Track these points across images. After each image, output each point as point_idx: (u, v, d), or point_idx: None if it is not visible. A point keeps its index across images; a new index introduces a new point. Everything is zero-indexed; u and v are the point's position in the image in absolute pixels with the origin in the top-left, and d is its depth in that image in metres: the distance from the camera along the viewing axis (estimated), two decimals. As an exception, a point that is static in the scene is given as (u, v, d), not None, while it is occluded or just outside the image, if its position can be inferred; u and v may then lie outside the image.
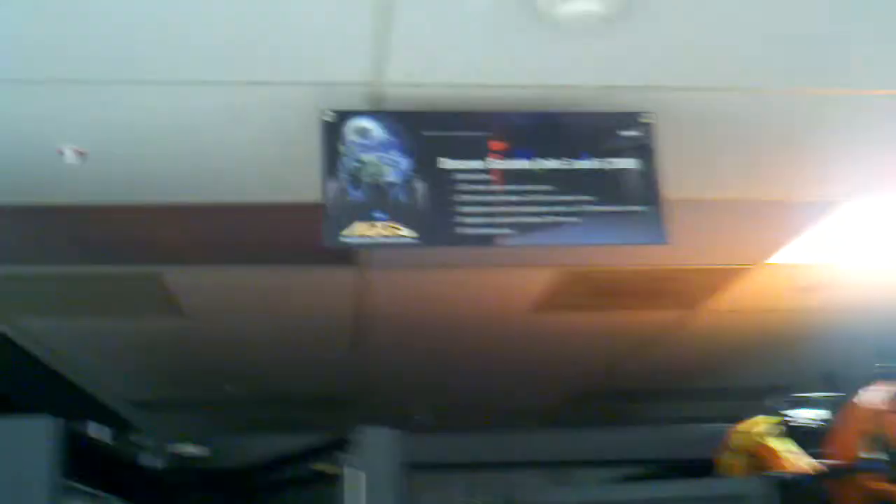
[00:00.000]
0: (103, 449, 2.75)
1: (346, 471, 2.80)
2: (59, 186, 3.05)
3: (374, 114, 2.51)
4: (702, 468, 4.05)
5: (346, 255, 3.85)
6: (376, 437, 2.82)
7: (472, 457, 4.40)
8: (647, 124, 2.53)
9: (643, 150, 2.52)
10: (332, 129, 2.48)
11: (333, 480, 2.87)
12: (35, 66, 2.34)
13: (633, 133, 2.52)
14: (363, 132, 2.48)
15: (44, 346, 4.80)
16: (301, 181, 2.96)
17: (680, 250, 3.84)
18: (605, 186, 2.49)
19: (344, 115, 2.49)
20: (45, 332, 4.67)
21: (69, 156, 2.78)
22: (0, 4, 2.08)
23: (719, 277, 4.26)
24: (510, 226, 2.44)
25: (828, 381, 3.76)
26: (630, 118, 2.53)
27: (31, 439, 2.19)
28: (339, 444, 2.91)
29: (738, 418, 4.34)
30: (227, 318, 4.72)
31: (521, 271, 4.14)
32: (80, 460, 2.40)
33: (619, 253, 3.88)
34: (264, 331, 4.95)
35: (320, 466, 2.99)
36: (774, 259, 3.99)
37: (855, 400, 3.35)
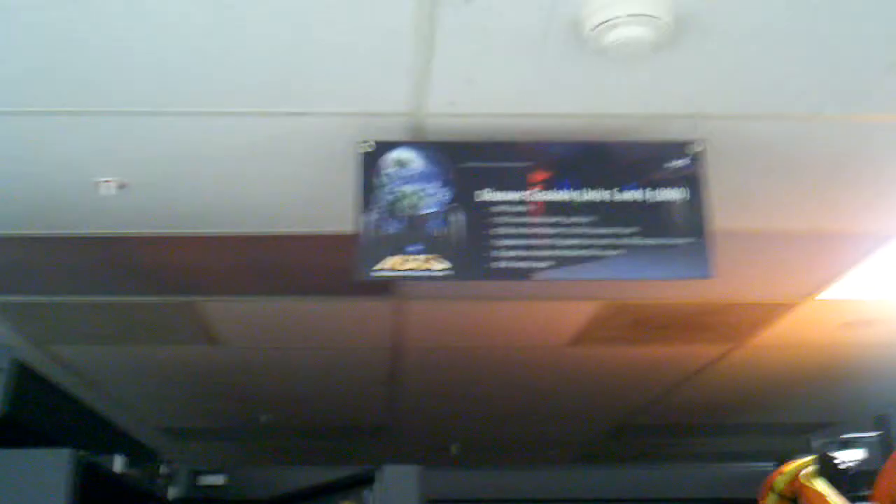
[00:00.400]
0: (121, 481, 2.69)
1: None
2: (96, 217, 3.03)
3: (415, 144, 2.45)
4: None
5: (383, 286, 3.79)
6: (398, 474, 2.74)
7: (502, 493, 4.29)
8: (695, 154, 2.43)
9: (691, 180, 2.42)
10: (370, 160, 2.41)
11: None
12: (73, 98, 2.31)
13: (680, 163, 2.43)
14: (402, 163, 2.41)
15: (75, 373, 4.79)
16: (338, 212, 2.92)
17: (725, 284, 3.75)
18: (650, 218, 2.40)
19: (383, 146, 2.43)
20: (76, 359, 4.65)
21: (105, 188, 2.75)
22: (37, 37, 2.06)
23: (765, 312, 4.13)
24: (548, 259, 2.36)
25: (880, 423, 3.60)
26: (678, 148, 2.44)
27: (48, 471, 2.14)
28: (363, 480, 2.83)
29: (782, 455, 4.20)
30: (262, 348, 4.68)
31: (560, 304, 4.05)
32: (97, 493, 2.35)
33: (660, 286, 3.78)
34: (298, 361, 4.90)
35: (344, 503, 2.92)
36: (824, 294, 3.86)
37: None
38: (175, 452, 6.27)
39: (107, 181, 2.72)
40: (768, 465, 4.20)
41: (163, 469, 3.80)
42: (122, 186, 2.75)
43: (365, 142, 2.40)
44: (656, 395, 5.69)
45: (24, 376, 2.40)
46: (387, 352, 4.70)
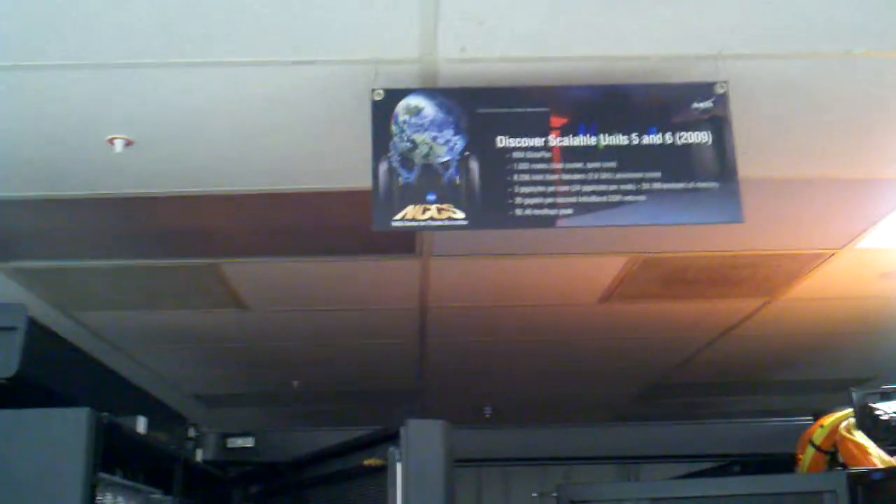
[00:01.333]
0: (145, 442, 2.68)
1: (394, 464, 2.69)
2: (112, 176, 3.00)
3: (427, 91, 2.37)
4: (782, 464, 3.84)
5: (407, 244, 3.74)
6: (423, 429, 2.70)
7: (534, 451, 4.26)
8: (720, 95, 2.34)
9: (716, 121, 2.33)
10: (383, 109, 2.35)
11: (382, 474, 2.76)
12: (79, 50, 2.26)
13: (705, 104, 2.34)
14: (415, 111, 2.34)
15: (102, 339, 4.80)
16: (356, 166, 2.85)
17: (757, 234, 3.64)
18: (675, 162, 2.31)
19: (395, 94, 2.36)
20: (105, 326, 4.66)
21: (118, 144, 2.72)
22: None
23: (801, 263, 4.01)
24: (570, 206, 2.29)
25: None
26: (702, 88, 2.35)
27: (66, 431, 2.12)
28: (388, 438, 2.80)
29: (819, 412, 4.11)
30: (289, 311, 4.65)
31: (588, 259, 3.97)
32: (120, 452, 2.33)
33: (691, 238, 3.69)
34: (326, 324, 4.87)
35: (369, 461, 2.88)
36: (862, 243, 3.74)
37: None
38: (207, 419, 6.30)
39: (119, 138, 2.68)
40: (807, 419, 4.12)
41: (191, 432, 3.81)
42: (132, 142, 2.71)
43: (375, 90, 2.33)
44: (689, 352, 5.60)
45: (40, 336, 2.38)
46: (414, 312, 4.66)
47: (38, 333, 2.34)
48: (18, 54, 2.28)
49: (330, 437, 3.46)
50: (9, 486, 2.09)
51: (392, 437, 2.77)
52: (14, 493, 2.08)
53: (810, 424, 3.97)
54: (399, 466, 2.68)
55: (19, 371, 2.17)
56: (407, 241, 3.71)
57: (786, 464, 3.90)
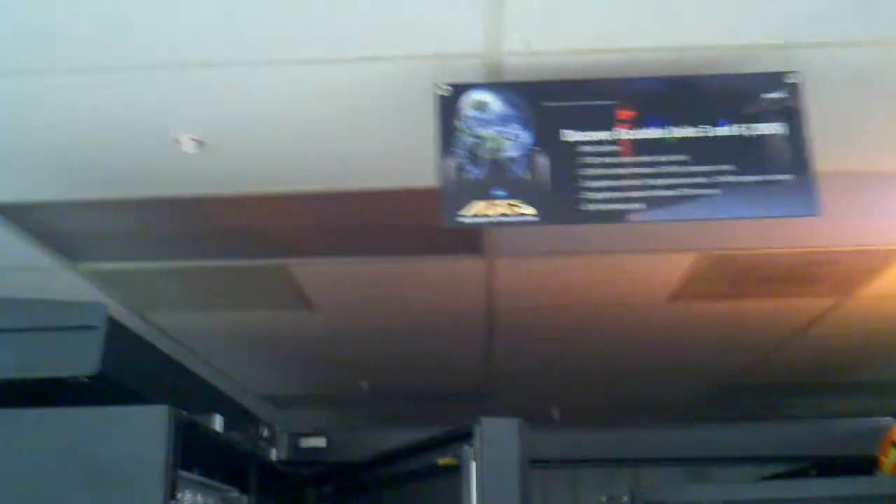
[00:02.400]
0: (221, 441, 2.71)
1: (467, 463, 2.67)
2: (180, 177, 3.05)
3: (492, 86, 2.37)
4: (862, 466, 3.73)
5: (474, 243, 3.73)
6: (497, 427, 2.67)
7: (603, 453, 4.20)
8: (792, 84, 2.28)
9: (789, 112, 2.27)
10: (448, 104, 2.34)
11: (455, 473, 2.74)
12: (148, 51, 2.31)
13: (777, 95, 2.28)
14: (480, 106, 2.33)
15: (173, 339, 4.89)
16: (423, 164, 2.85)
17: (832, 230, 3.55)
18: (747, 154, 2.26)
19: (460, 89, 2.35)
20: (175, 326, 4.74)
21: (186, 145, 2.76)
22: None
23: (877, 259, 3.90)
24: (641, 200, 2.25)
25: None
26: (773, 78, 2.29)
27: (146, 428, 2.15)
28: (461, 437, 2.78)
29: (902, 413, 3.99)
30: (356, 312, 4.68)
31: (657, 257, 3.91)
32: (197, 450, 2.36)
33: (763, 234, 3.61)
34: (394, 325, 4.89)
35: (442, 460, 2.87)
36: (942, 236, 3.62)
37: None
38: (276, 420, 6.36)
39: (187, 138, 2.72)
40: (888, 419, 3.99)
41: (264, 432, 3.84)
42: (200, 143, 2.76)
43: (439, 85, 2.33)
44: (761, 353, 5.49)
45: (120, 335, 2.42)
46: (481, 312, 4.65)
47: (118, 332, 2.38)
48: (87, 56, 2.32)
49: (401, 437, 3.45)
50: (91, 482, 2.12)
51: (465, 437, 2.75)
52: (96, 490, 2.12)
53: (892, 424, 3.85)
54: (473, 466, 2.66)
55: (100, 369, 2.21)
56: (473, 241, 3.70)
57: (866, 466, 3.78)
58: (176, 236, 3.60)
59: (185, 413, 2.23)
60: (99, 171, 2.98)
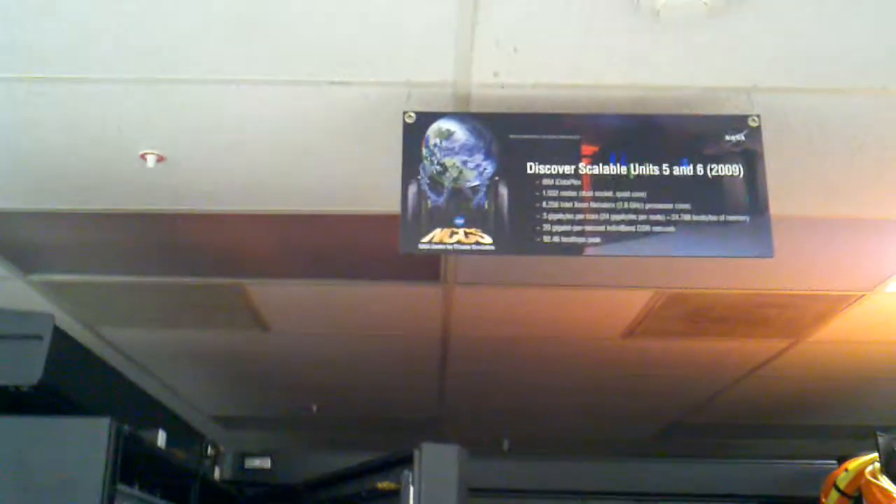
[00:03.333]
0: (164, 457, 2.67)
1: (407, 488, 2.66)
2: (142, 192, 3.02)
3: (459, 115, 2.38)
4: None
5: (433, 271, 3.73)
6: (436, 453, 2.67)
7: (550, 484, 4.21)
8: (754, 128, 2.33)
9: (749, 155, 2.32)
10: (414, 132, 2.36)
11: (395, 498, 2.73)
12: (116, 64, 2.29)
13: (738, 137, 2.32)
14: (446, 135, 2.35)
15: (124, 355, 4.81)
16: (386, 190, 2.86)
17: (786, 273, 3.61)
18: (705, 194, 2.30)
19: (427, 117, 2.37)
20: (126, 342, 4.67)
21: (149, 160, 2.74)
22: (79, 2, 2.04)
23: (829, 304, 3.97)
24: (598, 235, 2.27)
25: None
26: (733, 122, 2.34)
27: (87, 439, 2.12)
28: (402, 462, 2.77)
29: (844, 455, 4.05)
30: (312, 334, 4.64)
31: (613, 293, 3.94)
32: (138, 465, 2.33)
33: (718, 275, 3.66)
34: (348, 348, 4.86)
35: (383, 484, 2.86)
36: (891, 286, 3.69)
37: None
38: (224, 441, 6.28)
39: (151, 153, 2.70)
40: (831, 462, 4.05)
41: (208, 450, 3.80)
42: (163, 159, 2.74)
43: (407, 112, 2.34)
44: (713, 392, 5.54)
45: (65, 346, 2.39)
46: (436, 340, 4.64)
47: (63, 343, 2.35)
48: (54, 68, 2.30)
49: (347, 461, 3.43)
50: (28, 493, 2.09)
51: (406, 461, 2.75)
52: (33, 500, 2.08)
53: (835, 468, 3.91)
54: (412, 490, 2.66)
55: (43, 379, 2.18)
56: (432, 268, 3.70)
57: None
58: (132, 251, 3.56)
59: (127, 427, 2.20)
60: (57, 182, 2.94)
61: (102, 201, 3.09)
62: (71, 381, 2.40)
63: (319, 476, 3.52)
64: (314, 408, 6.08)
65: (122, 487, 2.20)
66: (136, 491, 2.42)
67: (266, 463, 3.94)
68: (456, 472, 2.63)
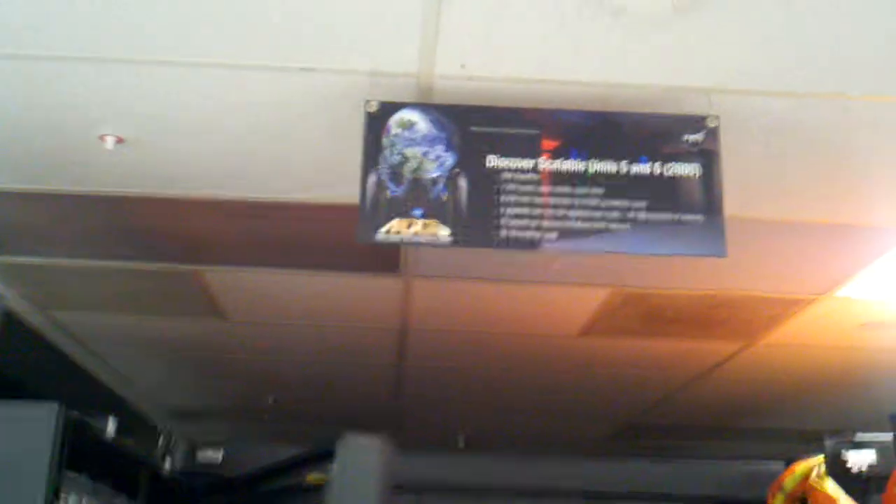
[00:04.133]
0: (114, 446, 2.64)
1: (331, 480, 2.66)
2: (100, 174, 2.98)
3: (422, 106, 2.38)
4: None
5: (391, 262, 3.73)
6: (358, 446, 2.68)
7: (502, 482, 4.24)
8: (712, 128, 2.35)
9: (706, 155, 2.34)
10: (376, 121, 2.35)
11: (322, 490, 2.73)
12: (81, 42, 2.25)
13: (696, 137, 2.35)
14: (408, 125, 2.35)
15: (77, 340, 4.74)
16: (346, 179, 2.84)
17: (739, 275, 3.65)
18: (662, 193, 2.32)
19: (389, 107, 2.36)
20: (80, 327, 4.60)
21: (108, 141, 2.71)
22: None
23: (781, 308, 4.03)
24: (555, 230, 2.29)
25: (895, 424, 3.50)
26: (692, 122, 2.36)
27: (33, 424, 2.09)
28: (328, 454, 2.77)
29: (792, 458, 4.11)
30: (269, 324, 4.62)
31: (570, 290, 3.96)
32: (86, 452, 2.30)
33: (675, 274, 3.70)
34: (306, 339, 4.84)
35: (311, 477, 2.86)
36: (842, 291, 3.75)
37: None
38: (180, 433, 6.21)
39: (111, 135, 2.67)
40: (778, 464, 4.11)
41: (160, 440, 3.77)
42: (123, 140, 2.70)
43: (370, 101, 2.34)
44: (666, 393, 5.60)
45: (14, 328, 2.35)
46: (394, 332, 4.64)
47: (12, 326, 2.31)
48: (17, 42, 2.26)
49: (281, 453, 3.42)
50: (-30, 474, 2.05)
51: (333, 454, 2.74)
52: (-26, 481, 2.05)
53: (782, 470, 3.96)
54: (334, 482, 2.65)
55: (-11, 361, 2.14)
56: (390, 260, 3.70)
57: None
58: (88, 234, 3.51)
59: (75, 413, 2.17)
60: (12, 162, 2.89)
61: (59, 182, 3.04)
62: (18, 365, 2.37)
63: (254, 469, 3.51)
64: (270, 399, 6.04)
65: (68, 474, 2.17)
66: (83, 478, 2.39)
67: (218, 455, 3.92)
68: (377, 465, 2.62)
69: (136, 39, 2.24)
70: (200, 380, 5.67)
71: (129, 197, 3.16)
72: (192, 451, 3.95)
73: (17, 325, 2.37)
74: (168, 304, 4.32)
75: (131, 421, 3.20)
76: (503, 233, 2.29)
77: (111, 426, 2.73)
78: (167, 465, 3.74)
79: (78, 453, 2.24)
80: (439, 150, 2.33)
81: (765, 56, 2.23)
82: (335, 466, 2.61)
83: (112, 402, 3.38)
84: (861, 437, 3.67)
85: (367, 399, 6.02)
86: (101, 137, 2.71)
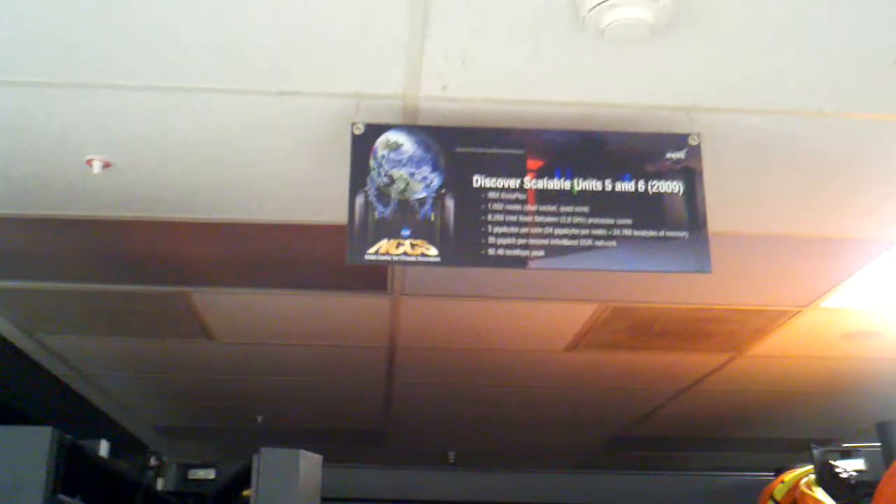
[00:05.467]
0: (107, 467, 2.65)
1: (252, 494, 2.66)
2: (87, 198, 2.99)
3: (407, 128, 2.41)
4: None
5: (379, 282, 3.75)
6: (276, 459, 2.68)
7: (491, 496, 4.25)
8: (694, 146, 2.39)
9: (688, 172, 2.38)
10: (362, 143, 2.38)
11: None
12: (67, 67, 2.27)
13: (679, 155, 2.39)
14: (394, 146, 2.37)
15: (66, 363, 4.73)
16: (333, 200, 2.87)
17: (725, 289, 3.69)
18: (646, 210, 2.35)
19: (375, 129, 2.39)
20: (68, 350, 4.59)
21: (95, 166, 2.72)
22: (28, 4, 2.02)
23: (766, 320, 4.07)
24: (542, 248, 2.31)
25: (881, 432, 3.54)
26: (677, 140, 2.40)
27: (27, 448, 2.09)
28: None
29: (781, 468, 4.14)
30: (257, 344, 4.62)
31: (557, 306, 3.99)
32: (80, 475, 2.30)
33: (660, 289, 3.73)
34: (295, 358, 4.85)
35: (246, 492, 2.86)
36: (827, 302, 3.80)
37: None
38: (168, 451, 6.20)
39: (97, 159, 2.68)
40: (768, 474, 4.14)
41: (152, 461, 3.77)
42: (111, 165, 2.72)
43: (356, 123, 2.36)
44: (654, 405, 5.63)
45: (4, 353, 2.35)
46: (383, 351, 4.65)
47: (4, 350, 2.32)
48: (3, 69, 2.28)
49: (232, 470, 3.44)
50: (-35, 501, 2.05)
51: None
52: (-31, 509, 2.05)
53: (772, 480, 3.99)
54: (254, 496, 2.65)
55: (-20, 386, 2.15)
56: (378, 279, 3.72)
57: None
58: (76, 257, 3.52)
59: (68, 436, 2.18)
60: (1, 186, 2.90)
61: (46, 206, 3.05)
62: (10, 389, 2.37)
63: (221, 485, 3.52)
64: (259, 419, 6.04)
65: (63, 498, 2.17)
66: (77, 502, 2.39)
67: (210, 474, 3.92)
68: (297, 478, 2.62)
69: (122, 65, 2.26)
70: (190, 400, 5.66)
71: (117, 220, 3.17)
72: (184, 471, 3.94)
73: (5, 348, 2.37)
74: (156, 325, 4.32)
75: (122, 442, 3.19)
76: (490, 251, 2.31)
77: (104, 448, 2.73)
78: (160, 484, 3.73)
79: (72, 476, 2.24)
80: (426, 170, 2.36)
81: (742, 75, 2.27)
82: (252, 481, 2.59)
83: (102, 424, 3.37)
84: (848, 445, 3.70)
85: (357, 417, 6.02)
86: (88, 162, 2.72)
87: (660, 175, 2.38)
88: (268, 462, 2.62)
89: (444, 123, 2.43)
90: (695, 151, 2.40)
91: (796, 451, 5.64)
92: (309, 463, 2.65)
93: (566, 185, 2.37)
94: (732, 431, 6.19)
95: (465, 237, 2.32)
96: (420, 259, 2.30)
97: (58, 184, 2.89)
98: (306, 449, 6.84)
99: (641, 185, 2.37)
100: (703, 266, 2.35)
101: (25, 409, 2.39)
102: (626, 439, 6.41)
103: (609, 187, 2.37)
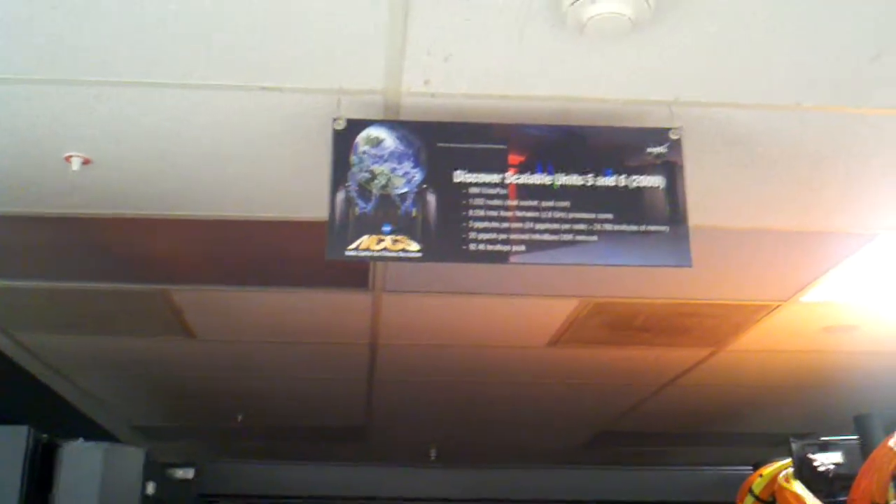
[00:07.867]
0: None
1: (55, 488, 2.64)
2: (66, 195, 2.96)
3: (388, 123, 2.40)
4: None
5: (360, 278, 3.74)
6: (79, 452, 2.66)
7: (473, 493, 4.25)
8: (675, 140, 2.40)
9: (669, 167, 2.38)
10: (343, 139, 2.37)
11: None
12: (47, 64, 2.25)
13: (660, 149, 2.39)
14: (375, 142, 2.37)
15: (44, 362, 4.69)
16: (314, 196, 2.86)
17: (705, 283, 3.71)
18: (627, 205, 2.36)
19: (356, 125, 2.38)
20: (47, 349, 4.56)
21: (74, 162, 2.70)
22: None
23: (747, 314, 4.09)
24: (523, 243, 2.31)
25: (859, 425, 3.57)
26: (658, 134, 2.40)
27: (3, 448, 2.07)
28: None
29: (760, 462, 4.17)
30: (238, 342, 4.60)
31: (539, 301, 4.00)
32: (54, 473, 2.28)
33: (642, 284, 3.74)
34: (274, 356, 4.83)
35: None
36: (806, 296, 3.82)
37: (888, 443, 3.17)
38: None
39: (77, 156, 2.66)
40: (747, 468, 4.17)
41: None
42: (90, 162, 2.70)
43: (337, 119, 2.35)
44: (636, 400, 5.65)
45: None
46: (364, 347, 4.64)
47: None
48: (-22, 65, 2.26)
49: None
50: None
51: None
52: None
53: (750, 474, 4.02)
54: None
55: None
56: (360, 275, 3.71)
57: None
58: (55, 255, 3.49)
59: (45, 436, 2.16)
60: (-24, 182, 2.87)
61: (24, 203, 3.02)
62: (4, 398, 2.35)
63: None
64: (238, 417, 6.02)
65: (39, 494, 2.15)
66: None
67: (189, 474, 3.89)
68: (98, 471, 2.60)
69: (101, 60, 2.24)
70: (169, 398, 5.63)
71: (96, 217, 3.15)
72: (162, 470, 3.92)
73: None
74: (136, 323, 4.29)
75: (100, 441, 3.16)
76: (472, 246, 2.31)
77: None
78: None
79: (49, 476, 2.22)
80: (407, 166, 2.35)
81: (722, 69, 2.28)
82: (57, 473, 2.56)
83: (80, 423, 3.34)
84: (826, 438, 3.73)
85: (338, 414, 6.01)
86: (67, 158, 2.69)
87: (641, 169, 2.38)
88: (70, 456, 2.58)
89: (427, 118, 2.42)
90: (676, 145, 2.40)
91: (775, 446, 5.67)
92: (118, 456, 2.62)
93: (547, 179, 2.37)
94: (713, 426, 6.22)
95: (446, 232, 2.31)
96: (401, 255, 2.30)
97: (36, 181, 2.86)
98: (285, 447, 6.84)
99: (622, 180, 2.37)
100: (684, 260, 2.36)
101: (1, 408, 2.37)
102: (608, 435, 6.43)
103: (590, 182, 2.37)
